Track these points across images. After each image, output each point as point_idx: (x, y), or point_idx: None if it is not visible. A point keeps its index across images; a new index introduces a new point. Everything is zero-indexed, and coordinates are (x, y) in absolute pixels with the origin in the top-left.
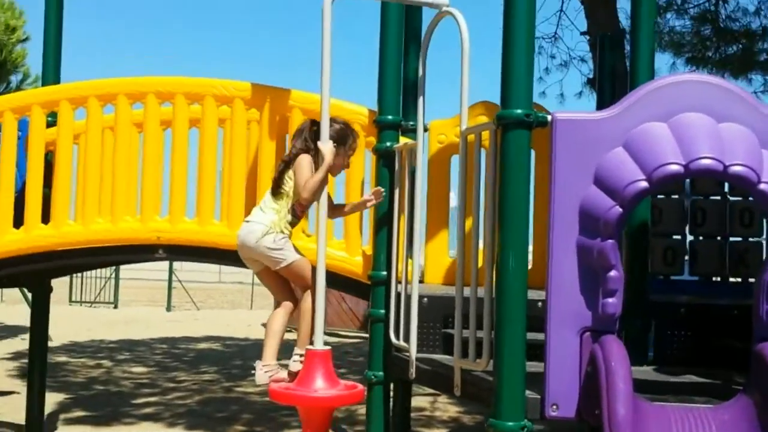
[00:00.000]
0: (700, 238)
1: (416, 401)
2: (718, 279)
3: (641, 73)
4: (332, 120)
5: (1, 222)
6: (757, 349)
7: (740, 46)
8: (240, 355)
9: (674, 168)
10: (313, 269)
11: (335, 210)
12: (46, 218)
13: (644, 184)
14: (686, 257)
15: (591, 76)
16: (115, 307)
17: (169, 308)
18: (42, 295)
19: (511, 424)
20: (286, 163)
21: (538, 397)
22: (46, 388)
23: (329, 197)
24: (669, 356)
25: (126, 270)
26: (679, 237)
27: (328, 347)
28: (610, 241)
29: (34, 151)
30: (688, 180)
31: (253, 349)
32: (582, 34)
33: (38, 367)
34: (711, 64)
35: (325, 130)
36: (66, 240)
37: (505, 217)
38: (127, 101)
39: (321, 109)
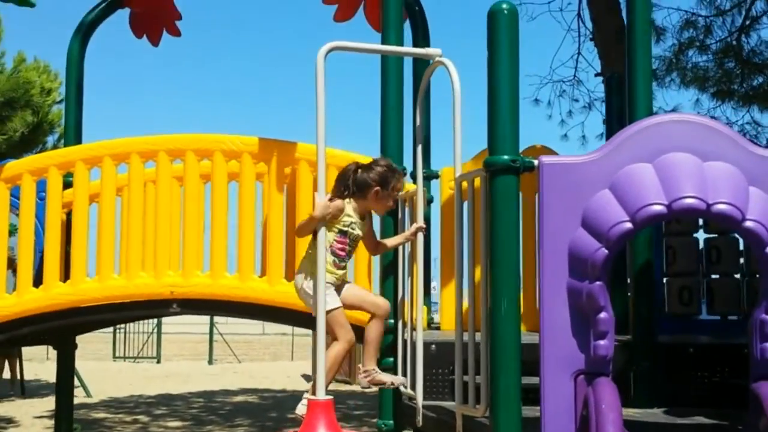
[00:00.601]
0: (715, 276)
1: None
2: (735, 318)
3: (639, 111)
4: (375, 162)
5: (22, 281)
6: (752, 388)
7: (766, 77)
8: (276, 407)
9: (657, 208)
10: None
11: (378, 246)
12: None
13: (628, 225)
14: (703, 297)
15: None
16: (158, 361)
17: (210, 361)
18: (66, 351)
19: None
20: None
21: None
22: None
23: (373, 234)
24: (681, 397)
25: (169, 324)
26: (694, 277)
27: (330, 397)
28: (598, 283)
29: (52, 211)
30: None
31: (291, 400)
32: (596, 75)
33: (65, 425)
34: (737, 97)
35: (321, 181)
36: (83, 297)
37: (495, 261)
38: (140, 159)
39: (317, 159)
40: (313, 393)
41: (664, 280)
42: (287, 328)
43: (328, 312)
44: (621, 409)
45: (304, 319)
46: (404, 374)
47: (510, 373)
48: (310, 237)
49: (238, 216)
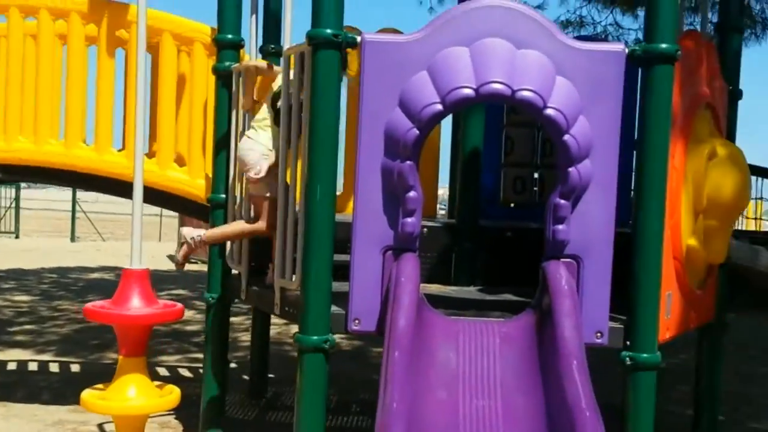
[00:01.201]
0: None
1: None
2: None
3: None
4: None
5: None
6: (542, 267)
7: None
8: None
9: (466, 92)
10: None
11: None
12: None
13: (439, 107)
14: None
15: None
16: (17, 237)
17: (73, 239)
18: None
19: (315, 338)
20: None
21: (343, 312)
22: None
23: None
24: (492, 277)
25: (30, 200)
26: (528, 168)
27: (146, 267)
28: (409, 162)
29: None
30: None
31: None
32: None
33: None
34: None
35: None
36: None
37: (312, 140)
38: None
39: (137, 25)
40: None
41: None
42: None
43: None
44: (419, 281)
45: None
46: (232, 248)
47: (322, 250)
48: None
49: (67, 79)
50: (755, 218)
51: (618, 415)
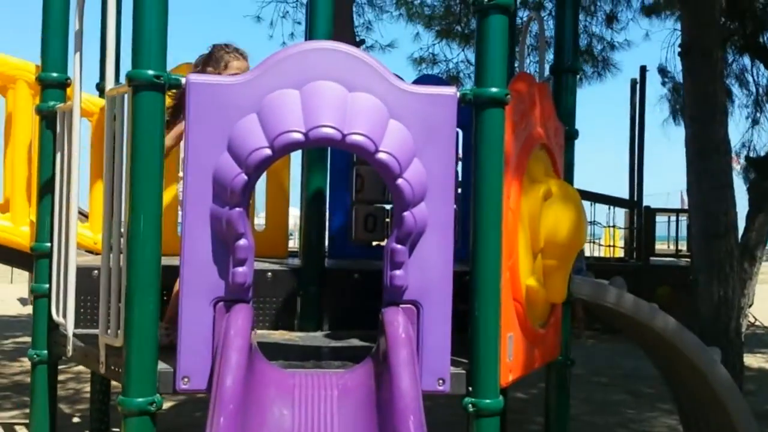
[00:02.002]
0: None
1: None
2: None
3: (318, 35)
4: None
5: None
6: (381, 314)
7: None
8: None
9: (295, 136)
10: None
11: None
12: None
13: (268, 151)
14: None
15: None
16: None
17: None
18: None
19: (140, 400)
20: None
21: (171, 370)
22: None
23: None
24: (340, 321)
25: None
26: (378, 205)
27: None
28: (238, 209)
29: None
30: None
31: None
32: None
33: None
34: (457, 37)
35: None
36: None
37: (136, 180)
38: None
39: None
40: None
41: (354, 207)
42: None
43: None
44: (249, 334)
45: None
46: (58, 302)
47: (147, 298)
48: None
49: None
50: (610, 246)
51: None
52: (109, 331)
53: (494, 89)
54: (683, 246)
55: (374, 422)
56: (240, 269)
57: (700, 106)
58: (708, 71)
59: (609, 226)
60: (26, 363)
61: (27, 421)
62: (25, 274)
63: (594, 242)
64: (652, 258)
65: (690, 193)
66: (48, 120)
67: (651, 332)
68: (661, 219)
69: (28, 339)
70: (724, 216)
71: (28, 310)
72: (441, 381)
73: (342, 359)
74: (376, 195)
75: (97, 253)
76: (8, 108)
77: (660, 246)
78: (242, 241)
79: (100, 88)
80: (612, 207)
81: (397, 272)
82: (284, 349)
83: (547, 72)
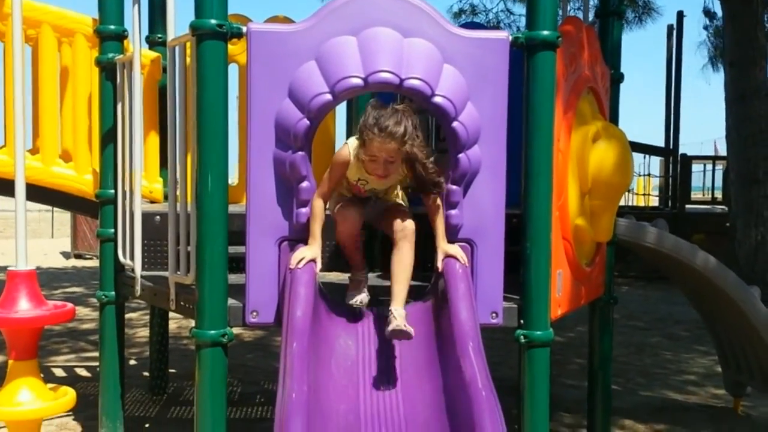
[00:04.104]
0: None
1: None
2: None
3: None
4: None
5: None
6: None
7: None
8: None
9: (354, 81)
10: None
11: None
12: None
13: (328, 96)
14: None
15: None
16: None
17: None
18: None
19: (213, 332)
20: None
21: (240, 305)
22: None
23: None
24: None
25: None
26: None
27: (33, 267)
28: (301, 153)
29: None
30: None
31: (42, 277)
32: None
33: None
34: None
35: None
36: None
37: (201, 132)
38: None
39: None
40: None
41: None
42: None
43: None
44: (315, 271)
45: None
46: (124, 246)
47: (215, 242)
48: None
49: None
50: (644, 194)
51: (515, 391)
52: (178, 271)
53: (546, 32)
54: (719, 195)
55: (434, 351)
56: (303, 210)
57: (740, 50)
58: (749, 16)
59: (643, 175)
60: (78, 310)
61: (84, 364)
62: (65, 229)
63: (628, 191)
64: (687, 206)
65: (728, 138)
66: (107, 71)
67: (691, 272)
68: (696, 169)
69: (76, 289)
70: (763, 161)
71: (73, 262)
72: (494, 314)
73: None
74: None
75: (152, 201)
76: (63, 61)
77: (694, 196)
78: (305, 184)
79: (150, 41)
80: (647, 155)
81: (453, 212)
82: (341, 289)
83: (591, 16)
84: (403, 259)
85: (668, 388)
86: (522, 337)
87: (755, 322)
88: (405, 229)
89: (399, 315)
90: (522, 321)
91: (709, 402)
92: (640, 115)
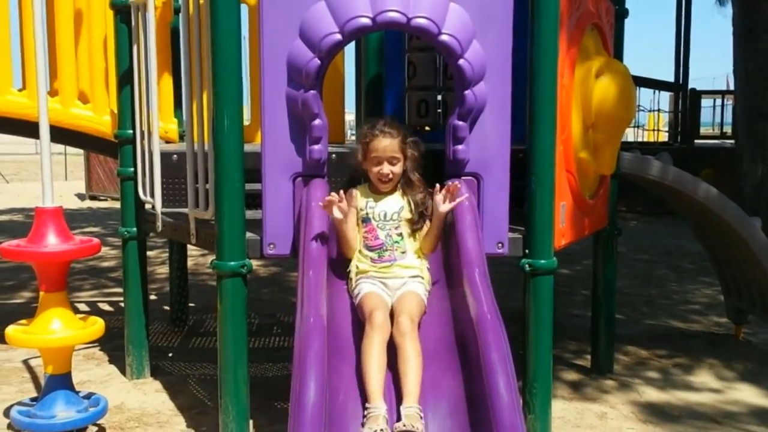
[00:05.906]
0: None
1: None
2: None
3: None
4: None
5: None
6: (445, 185)
7: None
8: None
9: (363, 21)
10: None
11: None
12: None
13: (338, 36)
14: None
15: None
16: None
17: None
18: None
19: (232, 263)
20: None
21: (258, 238)
22: None
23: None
24: None
25: None
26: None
27: (60, 205)
28: (312, 91)
29: None
30: None
31: None
32: None
33: None
34: None
35: None
36: None
37: (216, 73)
38: None
39: None
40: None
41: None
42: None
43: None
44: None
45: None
46: (144, 183)
47: (232, 178)
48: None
49: None
50: (654, 130)
51: (520, 319)
52: (197, 207)
53: None
54: (728, 130)
55: (443, 279)
56: (316, 147)
57: None
58: None
59: (653, 111)
60: None
61: (107, 299)
62: (79, 171)
63: (638, 127)
64: (696, 141)
65: (736, 73)
66: (122, 14)
67: (694, 203)
68: (706, 104)
69: (93, 228)
70: None
71: (88, 203)
72: (500, 244)
73: None
74: (428, 81)
75: (168, 141)
76: (78, 4)
77: (705, 131)
78: (317, 121)
79: None
80: (657, 91)
81: (459, 147)
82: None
83: None
84: (409, 359)
85: (672, 317)
86: (527, 265)
87: (755, 250)
88: (401, 324)
89: (410, 414)
90: (527, 251)
91: (711, 329)
92: (649, 49)
